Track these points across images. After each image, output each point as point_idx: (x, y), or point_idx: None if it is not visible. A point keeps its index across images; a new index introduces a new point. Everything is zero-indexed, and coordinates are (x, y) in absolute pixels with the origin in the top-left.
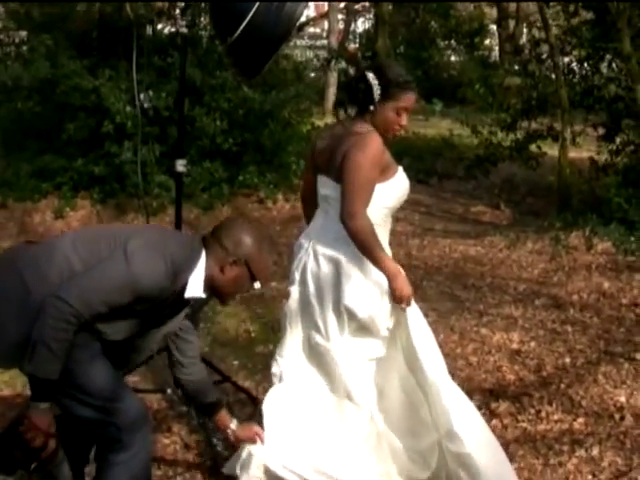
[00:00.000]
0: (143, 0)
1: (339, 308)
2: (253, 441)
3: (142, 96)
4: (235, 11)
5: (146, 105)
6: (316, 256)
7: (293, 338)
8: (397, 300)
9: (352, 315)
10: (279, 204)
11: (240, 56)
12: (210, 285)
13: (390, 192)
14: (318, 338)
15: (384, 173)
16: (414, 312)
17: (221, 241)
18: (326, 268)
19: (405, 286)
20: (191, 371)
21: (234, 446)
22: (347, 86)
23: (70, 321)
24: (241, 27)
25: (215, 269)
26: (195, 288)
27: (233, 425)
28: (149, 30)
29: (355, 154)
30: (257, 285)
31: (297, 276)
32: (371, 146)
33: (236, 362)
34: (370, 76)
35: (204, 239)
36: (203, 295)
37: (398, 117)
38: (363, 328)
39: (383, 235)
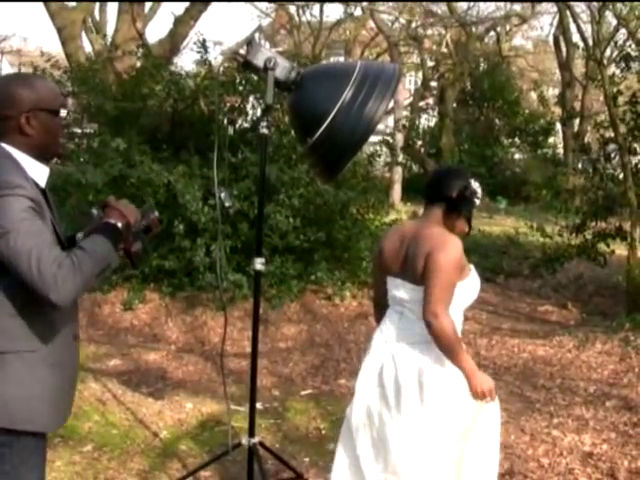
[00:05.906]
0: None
1: (418, 413)
2: None
3: (223, 195)
4: (316, 113)
5: (227, 204)
6: (394, 360)
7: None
8: (479, 397)
9: (431, 419)
10: (346, 301)
11: (319, 157)
12: (39, 153)
13: (466, 291)
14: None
15: (462, 272)
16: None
17: None
18: (406, 374)
19: (484, 381)
20: None
21: None
22: (455, 192)
23: None
24: (321, 129)
25: (23, 140)
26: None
27: None
28: (230, 130)
29: (437, 256)
30: (63, 112)
31: (374, 378)
32: (453, 248)
33: (307, 459)
34: (476, 186)
35: None
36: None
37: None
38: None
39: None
